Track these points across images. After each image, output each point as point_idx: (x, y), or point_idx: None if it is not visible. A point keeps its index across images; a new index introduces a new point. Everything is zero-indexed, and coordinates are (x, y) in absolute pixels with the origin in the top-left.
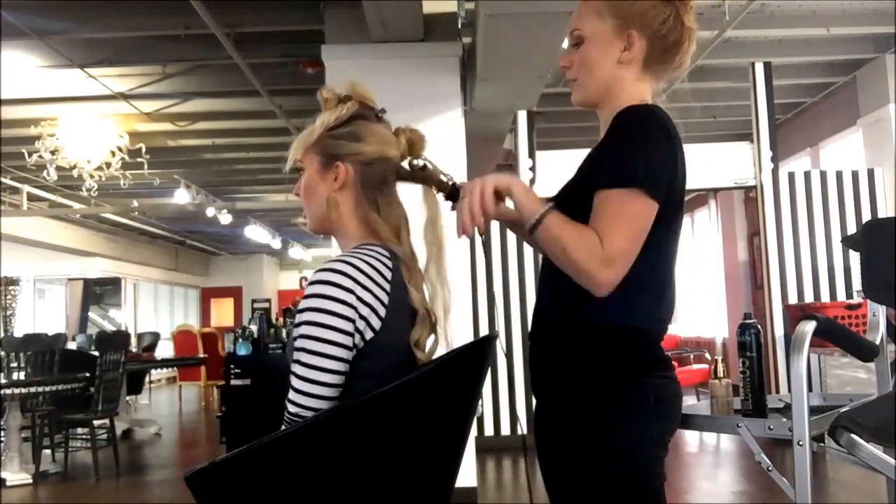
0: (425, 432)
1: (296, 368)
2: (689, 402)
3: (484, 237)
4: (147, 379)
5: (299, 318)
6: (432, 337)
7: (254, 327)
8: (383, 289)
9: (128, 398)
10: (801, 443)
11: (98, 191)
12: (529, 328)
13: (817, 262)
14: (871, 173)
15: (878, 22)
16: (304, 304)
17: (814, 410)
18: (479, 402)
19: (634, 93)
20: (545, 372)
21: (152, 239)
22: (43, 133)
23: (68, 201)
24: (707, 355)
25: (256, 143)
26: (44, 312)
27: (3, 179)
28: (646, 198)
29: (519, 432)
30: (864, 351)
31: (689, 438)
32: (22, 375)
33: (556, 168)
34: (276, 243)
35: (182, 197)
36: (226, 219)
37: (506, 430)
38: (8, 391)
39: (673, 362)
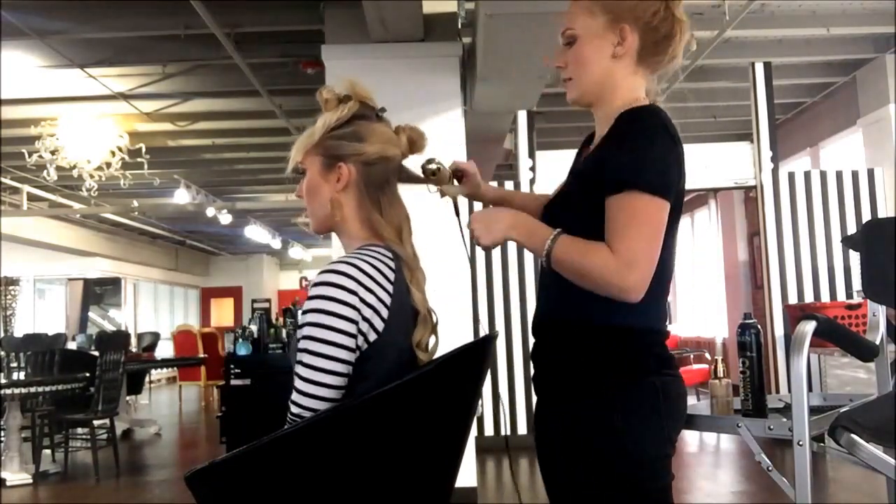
0: (425, 432)
1: (299, 369)
2: (690, 402)
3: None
4: (147, 379)
5: (302, 319)
6: (434, 338)
7: (254, 327)
8: (386, 290)
9: (128, 398)
10: (801, 443)
11: (98, 191)
12: (531, 328)
13: (817, 262)
14: (871, 173)
15: (878, 22)
16: (307, 305)
17: (814, 410)
18: (480, 401)
19: (629, 87)
20: (547, 372)
21: (152, 239)
22: (43, 133)
23: (68, 201)
24: (707, 355)
25: (256, 143)
26: (44, 312)
27: (3, 179)
28: (658, 199)
29: (502, 433)
30: (864, 351)
31: (689, 438)
32: (22, 375)
33: (556, 168)
34: (276, 243)
35: (182, 197)
36: (226, 219)
37: (506, 429)
38: (8, 391)
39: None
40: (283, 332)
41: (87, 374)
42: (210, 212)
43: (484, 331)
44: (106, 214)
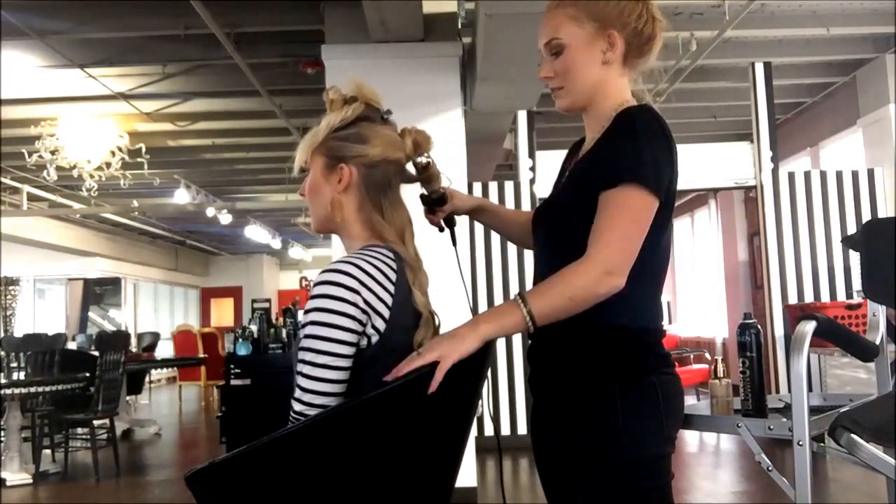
0: (425, 432)
1: (302, 367)
2: (689, 402)
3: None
4: (147, 379)
5: (305, 318)
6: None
7: (254, 327)
8: (388, 291)
9: (128, 398)
10: (801, 443)
11: (98, 191)
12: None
13: (817, 262)
14: (871, 173)
15: (878, 22)
16: (309, 304)
17: (814, 410)
18: (479, 402)
19: (618, 89)
20: (546, 372)
21: (152, 239)
22: (43, 133)
23: (68, 201)
24: (707, 355)
25: (256, 143)
26: (44, 312)
27: (3, 179)
28: (647, 193)
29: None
30: (864, 351)
31: (689, 438)
32: (22, 375)
33: (556, 168)
34: (276, 243)
35: (182, 197)
36: (226, 219)
37: (506, 429)
38: (8, 391)
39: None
40: (283, 332)
41: (87, 374)
42: (210, 212)
43: None
44: (106, 214)
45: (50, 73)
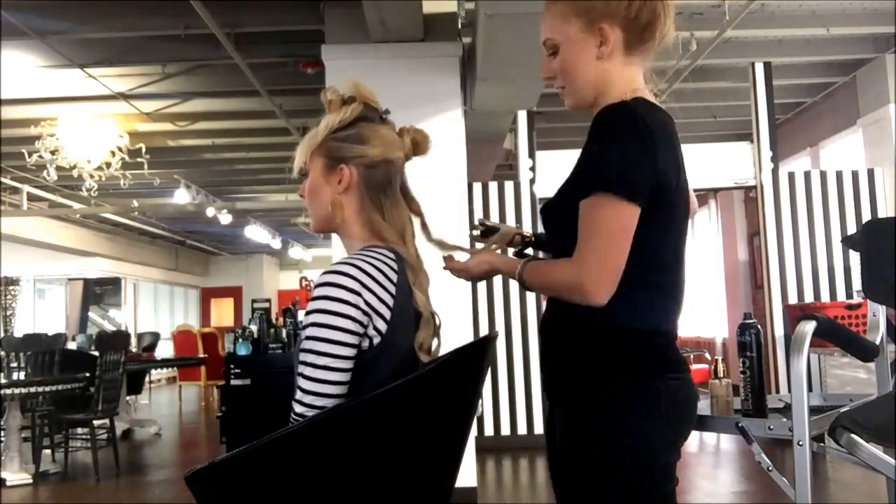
0: (426, 432)
1: (302, 369)
2: None
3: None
4: (147, 379)
5: (306, 319)
6: (436, 340)
7: (254, 327)
8: (389, 292)
9: (128, 398)
10: (801, 443)
11: (98, 191)
12: (537, 329)
13: (817, 262)
14: (871, 173)
15: (878, 22)
16: (310, 305)
17: (814, 410)
18: (480, 401)
19: (625, 80)
20: (555, 370)
21: (152, 239)
22: (43, 133)
23: (68, 201)
24: (707, 355)
25: (256, 143)
26: (44, 312)
27: (3, 179)
28: (619, 201)
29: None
30: (864, 351)
31: (690, 438)
32: (22, 375)
33: (556, 168)
34: (276, 243)
35: (182, 197)
36: (226, 219)
37: (506, 430)
38: (8, 391)
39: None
40: (283, 332)
41: (87, 374)
42: (210, 212)
43: (484, 331)
44: (106, 214)
45: (50, 73)
